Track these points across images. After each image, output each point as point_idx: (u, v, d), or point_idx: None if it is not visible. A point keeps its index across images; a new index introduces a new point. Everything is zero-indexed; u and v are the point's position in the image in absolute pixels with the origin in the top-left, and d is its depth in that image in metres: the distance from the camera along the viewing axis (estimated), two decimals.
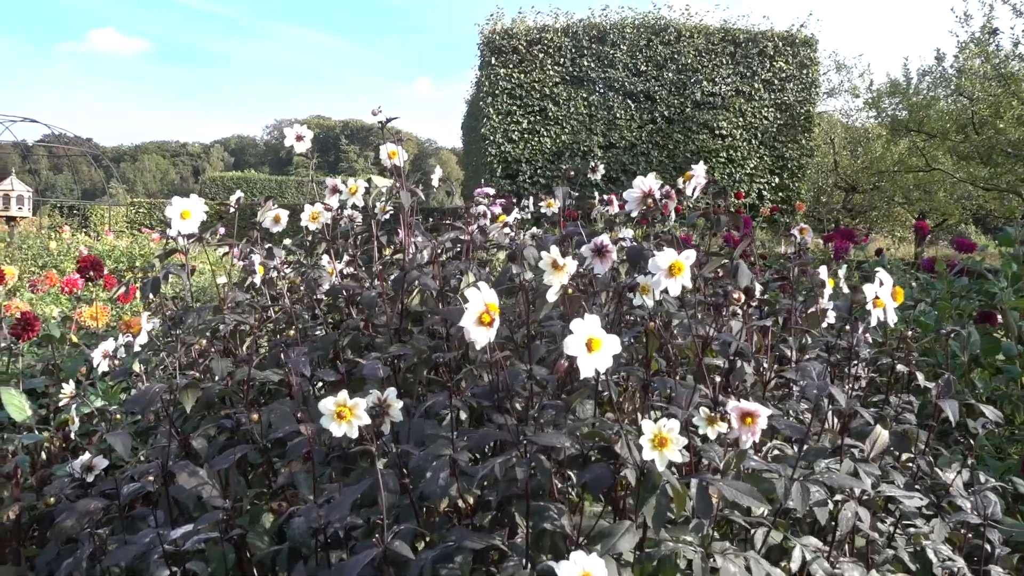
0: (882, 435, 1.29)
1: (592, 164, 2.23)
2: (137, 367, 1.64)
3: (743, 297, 1.40)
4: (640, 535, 1.00)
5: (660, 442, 0.92)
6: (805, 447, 1.33)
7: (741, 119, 12.11)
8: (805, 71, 12.28)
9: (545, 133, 11.96)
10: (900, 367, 1.50)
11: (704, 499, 1.00)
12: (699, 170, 1.37)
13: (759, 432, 0.98)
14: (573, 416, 1.20)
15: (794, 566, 1.18)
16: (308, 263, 1.79)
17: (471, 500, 1.20)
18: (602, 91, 12.13)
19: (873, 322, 1.20)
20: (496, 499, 1.10)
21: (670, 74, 12.03)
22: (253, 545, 1.41)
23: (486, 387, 1.13)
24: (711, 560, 1.04)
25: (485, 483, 1.10)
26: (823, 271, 1.53)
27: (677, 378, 1.31)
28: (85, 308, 3.00)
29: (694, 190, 1.41)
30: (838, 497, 1.23)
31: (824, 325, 1.64)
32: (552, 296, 1.07)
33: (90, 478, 1.55)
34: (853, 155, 17.30)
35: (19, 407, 1.69)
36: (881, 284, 1.05)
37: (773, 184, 12.20)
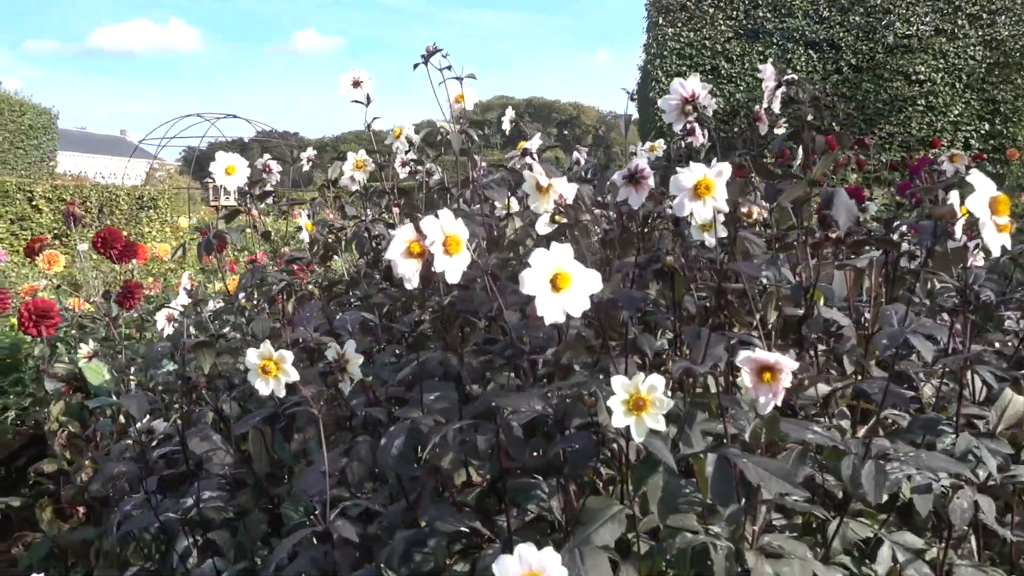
0: (1014, 401, 0.98)
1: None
2: (193, 330, 1.60)
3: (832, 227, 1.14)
4: (625, 524, 0.78)
5: (637, 404, 0.70)
6: (911, 419, 1.05)
7: (942, 61, 10.85)
8: (1020, 1, 10.80)
9: (718, 92, 11.32)
10: None
11: (724, 480, 0.77)
12: (766, 70, 1.10)
13: (782, 392, 0.73)
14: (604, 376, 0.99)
15: (880, 569, 0.92)
16: (366, 219, 1.67)
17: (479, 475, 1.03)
18: (780, 43, 11.28)
19: (996, 252, 0.90)
20: (492, 474, 0.93)
21: (857, 18, 10.98)
22: (285, 515, 1.32)
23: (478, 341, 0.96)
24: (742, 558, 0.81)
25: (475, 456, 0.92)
26: (954, 196, 1.20)
27: (736, 330, 1.07)
28: (218, 284, 3.10)
29: (770, 98, 1.14)
30: (945, 482, 0.94)
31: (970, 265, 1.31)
32: (542, 227, 0.87)
33: (153, 441, 1.53)
34: None
35: (96, 371, 1.71)
36: (973, 191, 0.76)
37: (983, 131, 10.86)
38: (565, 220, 0.85)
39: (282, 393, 0.82)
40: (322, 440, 0.80)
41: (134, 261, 2.77)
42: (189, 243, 1.58)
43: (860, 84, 11.02)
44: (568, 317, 0.73)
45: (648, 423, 0.69)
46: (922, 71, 10.88)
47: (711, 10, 11.36)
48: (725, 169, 0.86)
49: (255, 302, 1.57)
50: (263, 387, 0.82)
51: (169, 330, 1.60)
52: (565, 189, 0.87)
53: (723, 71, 11.36)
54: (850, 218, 1.11)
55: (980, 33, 10.85)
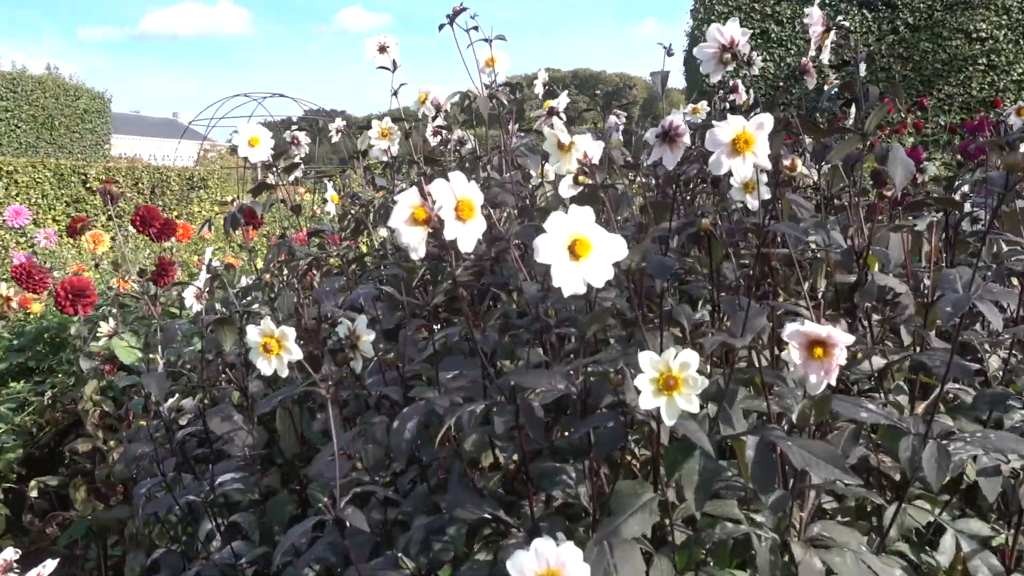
0: None
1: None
2: (219, 307, 1.57)
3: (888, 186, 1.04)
4: (657, 513, 0.71)
5: (667, 383, 0.63)
6: (977, 394, 0.96)
7: (1005, 17, 10.35)
8: None
9: (768, 57, 11.00)
10: None
11: (765, 465, 0.70)
12: (813, 13, 1.00)
13: (836, 369, 0.66)
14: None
15: (943, 559, 0.84)
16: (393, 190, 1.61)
17: (509, 458, 0.97)
18: (832, 3, 10.89)
19: None
20: (518, 457, 0.87)
21: None
22: (312, 496, 1.28)
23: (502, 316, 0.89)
24: (788, 549, 0.73)
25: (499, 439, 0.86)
26: None
27: (782, 299, 0.99)
28: (259, 261, 3.08)
29: (817, 46, 1.04)
30: (1015, 463, 0.86)
31: None
32: (565, 190, 0.80)
33: (183, 420, 1.51)
34: None
35: (127, 349, 1.69)
36: None
37: None
38: (590, 181, 0.78)
39: (284, 372, 0.77)
40: (331, 421, 0.75)
41: (174, 240, 2.76)
42: (215, 218, 1.53)
43: (917, 44, 10.59)
44: (591, 287, 0.66)
45: (680, 404, 0.62)
46: (983, 28, 10.40)
47: None
48: (767, 121, 0.78)
49: (283, 278, 1.53)
50: (265, 366, 0.78)
51: (198, 307, 1.57)
52: (589, 147, 0.80)
53: (773, 35, 11.03)
54: (907, 175, 1.01)
55: None
